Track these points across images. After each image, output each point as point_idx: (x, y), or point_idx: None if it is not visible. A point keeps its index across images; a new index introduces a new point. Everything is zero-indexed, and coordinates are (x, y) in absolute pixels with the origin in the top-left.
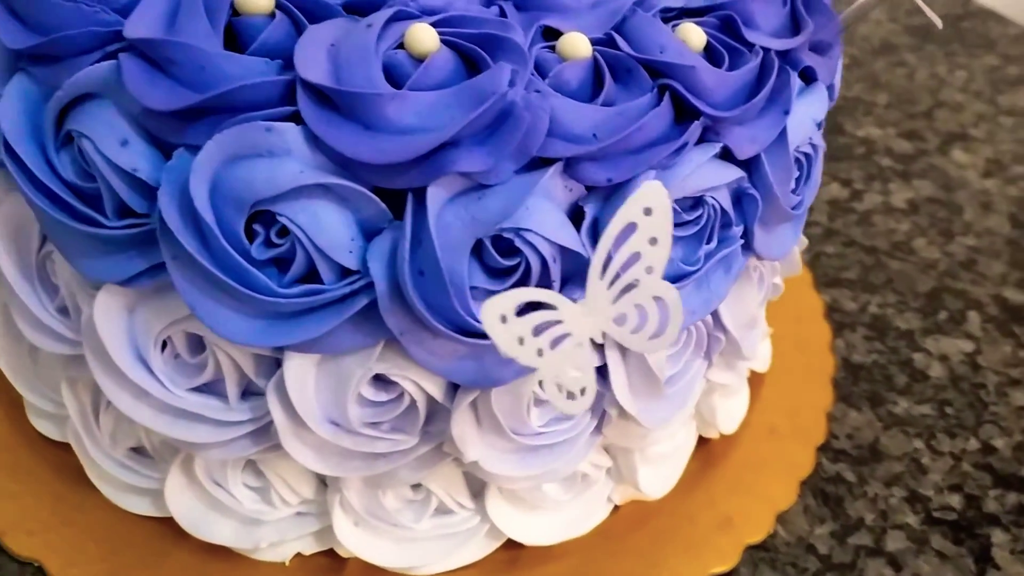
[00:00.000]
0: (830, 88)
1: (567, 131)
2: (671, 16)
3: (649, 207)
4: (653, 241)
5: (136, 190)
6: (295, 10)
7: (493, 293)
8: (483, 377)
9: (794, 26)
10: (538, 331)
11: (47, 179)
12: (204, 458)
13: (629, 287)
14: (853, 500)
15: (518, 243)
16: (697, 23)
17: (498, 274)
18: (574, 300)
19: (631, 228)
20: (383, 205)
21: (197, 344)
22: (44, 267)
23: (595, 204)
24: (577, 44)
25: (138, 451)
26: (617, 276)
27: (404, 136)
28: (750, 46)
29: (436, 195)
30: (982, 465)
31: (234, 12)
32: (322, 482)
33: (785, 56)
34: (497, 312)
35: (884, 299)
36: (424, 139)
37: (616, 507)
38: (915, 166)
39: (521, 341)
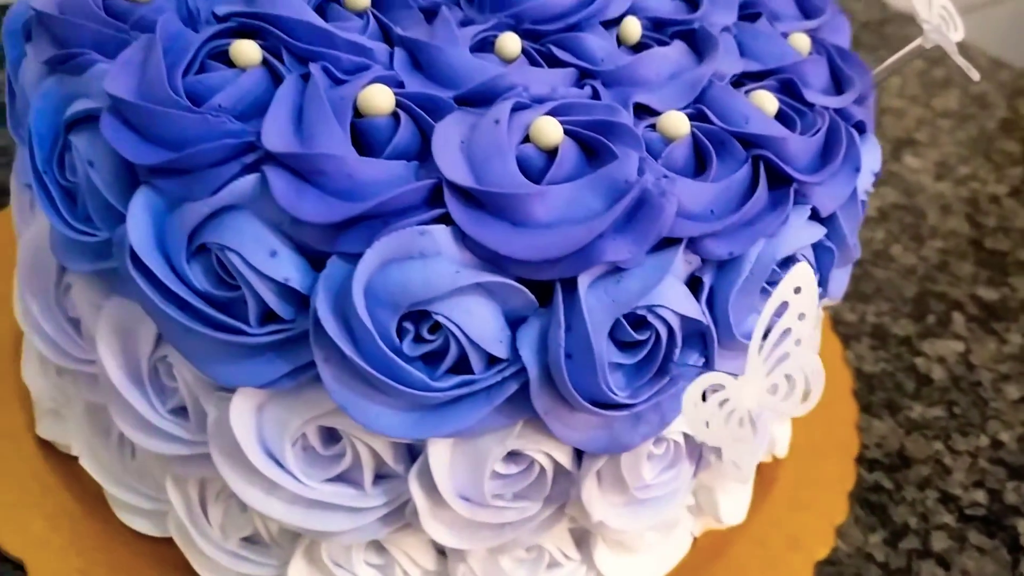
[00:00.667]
0: None
1: (688, 210)
2: (737, 81)
3: (799, 286)
4: (801, 316)
5: (285, 298)
6: (415, 108)
7: (625, 366)
8: (615, 444)
9: (835, 82)
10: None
11: (179, 290)
12: (332, 543)
13: (782, 359)
14: (895, 506)
15: (650, 318)
16: (764, 88)
17: (628, 347)
18: (734, 376)
19: (783, 306)
20: (532, 296)
21: (331, 436)
22: (156, 370)
23: (711, 273)
24: (678, 124)
25: (251, 540)
26: (771, 350)
27: (552, 230)
28: (810, 106)
29: (583, 282)
30: (995, 460)
31: (356, 113)
32: (441, 552)
33: (840, 113)
34: (694, 397)
35: (879, 308)
36: (574, 234)
37: (694, 539)
38: None
39: (707, 424)
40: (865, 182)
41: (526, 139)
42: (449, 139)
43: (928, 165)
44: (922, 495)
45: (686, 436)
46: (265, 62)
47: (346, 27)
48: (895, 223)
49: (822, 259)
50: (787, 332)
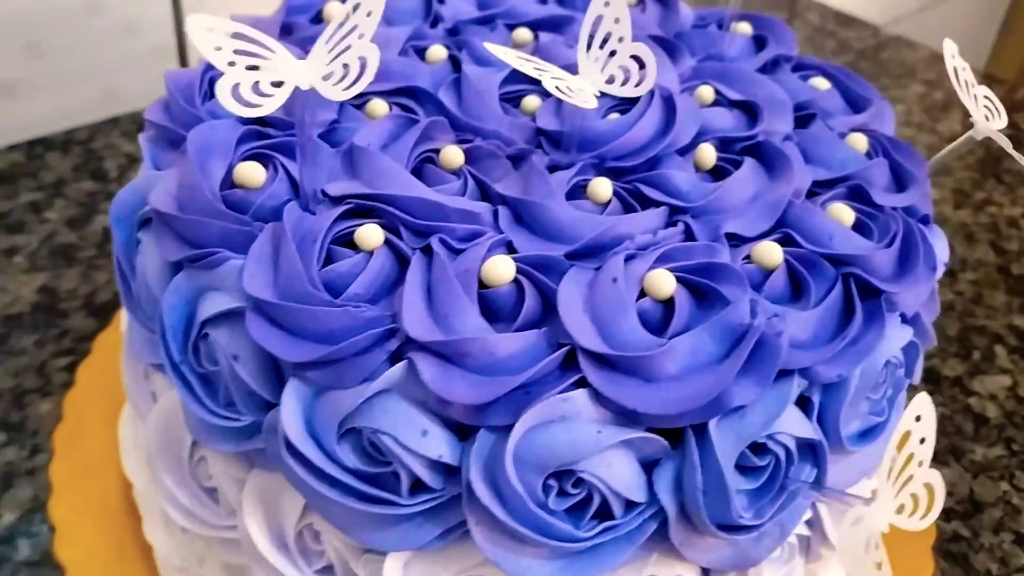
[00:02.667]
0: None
1: (796, 339)
2: (809, 191)
3: (919, 415)
4: (923, 441)
5: (436, 471)
6: (535, 272)
7: (751, 491)
8: (743, 560)
9: (895, 177)
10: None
11: (332, 470)
12: None
13: (907, 481)
14: (975, 554)
15: (770, 444)
16: (836, 198)
17: (750, 471)
18: (855, 499)
19: (906, 433)
20: (665, 442)
21: None
22: (302, 535)
23: (819, 393)
24: (772, 254)
25: None
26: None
27: (681, 383)
28: (881, 208)
29: (712, 425)
30: None
31: (480, 284)
32: None
33: (907, 211)
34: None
35: (927, 350)
36: (703, 386)
37: None
38: None
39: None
40: (939, 274)
41: (642, 292)
42: (572, 302)
43: (947, 194)
44: (997, 539)
45: (799, 536)
46: (386, 241)
47: (448, 190)
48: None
49: (909, 354)
50: (911, 456)
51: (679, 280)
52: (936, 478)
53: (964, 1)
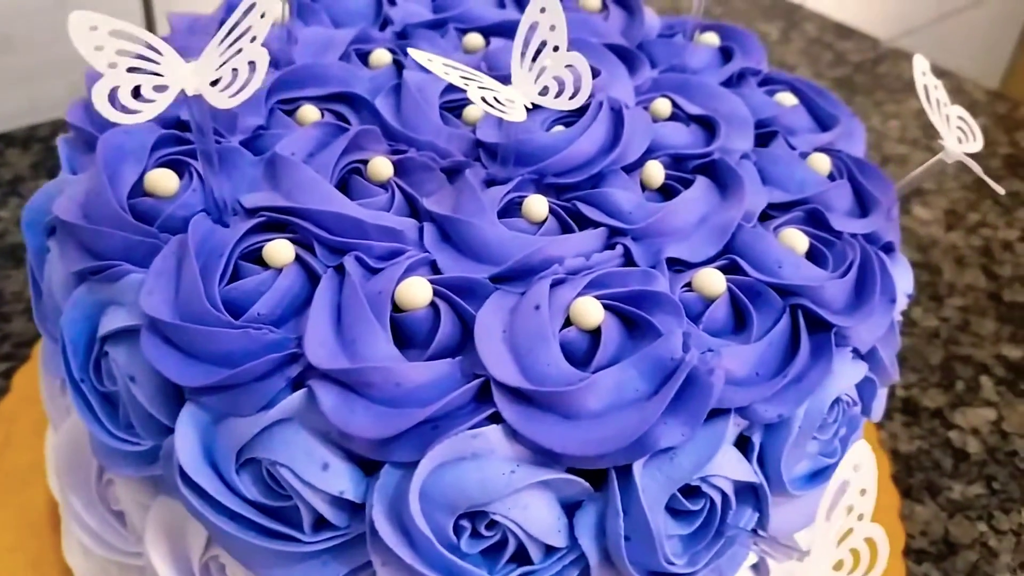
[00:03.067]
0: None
1: (734, 375)
2: (763, 213)
3: (857, 464)
4: (863, 492)
5: (339, 507)
6: (454, 296)
7: (684, 536)
8: None
9: (859, 200)
10: None
11: (230, 502)
12: None
13: (846, 534)
14: None
15: (704, 487)
16: (791, 223)
17: (683, 515)
18: (791, 550)
19: (843, 486)
20: (587, 484)
21: None
22: (208, 568)
23: (760, 433)
24: (714, 283)
25: None
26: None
27: (603, 421)
28: (839, 234)
29: (637, 467)
30: None
31: (394, 307)
32: None
33: (868, 237)
34: None
35: (907, 379)
36: (627, 425)
37: None
38: None
39: None
40: (901, 306)
41: (567, 321)
42: (491, 330)
43: (938, 215)
44: None
45: None
46: (298, 258)
47: (373, 204)
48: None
49: (864, 391)
50: (850, 508)
51: (609, 308)
52: (879, 533)
53: (978, 16)
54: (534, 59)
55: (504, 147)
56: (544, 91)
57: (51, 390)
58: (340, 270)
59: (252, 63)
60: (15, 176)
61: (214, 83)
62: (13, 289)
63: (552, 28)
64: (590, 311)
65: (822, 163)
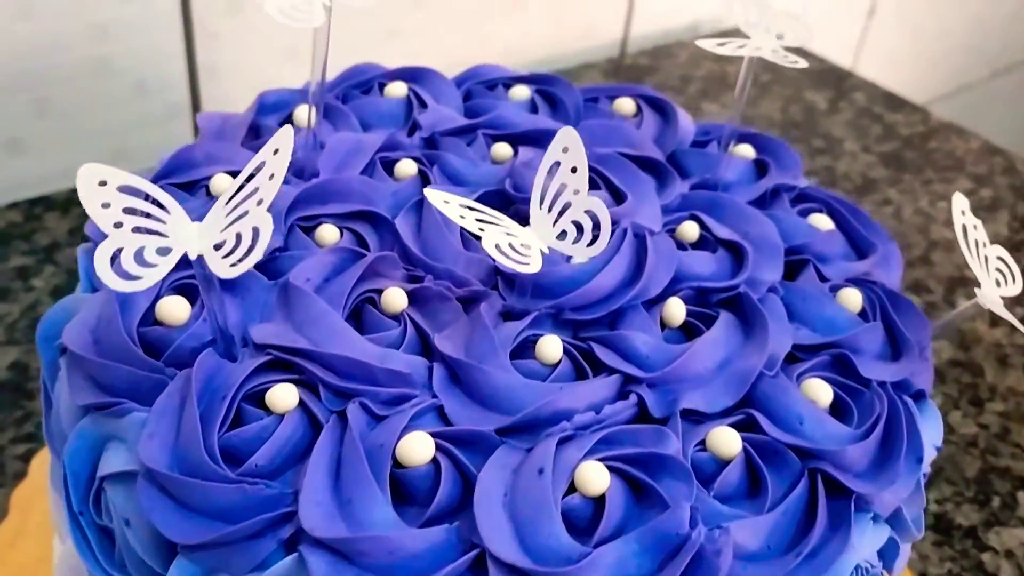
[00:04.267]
0: None
1: (745, 549)
2: (788, 355)
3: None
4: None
5: None
6: (456, 452)
7: None
8: None
9: (891, 340)
10: None
11: None
12: None
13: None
14: None
15: None
16: (816, 369)
17: None
18: None
19: None
20: None
21: None
22: None
23: None
24: (730, 443)
25: None
26: None
27: None
28: (867, 382)
29: None
30: None
31: (395, 462)
32: None
33: (898, 384)
34: None
35: (941, 493)
36: None
37: None
38: None
39: None
40: (927, 461)
41: (572, 486)
42: (491, 494)
43: (982, 309)
44: None
45: None
46: (301, 402)
47: (384, 340)
48: (952, 384)
49: (887, 553)
50: None
51: (615, 471)
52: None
53: None
54: (553, 201)
55: (521, 280)
56: (562, 235)
57: (57, 503)
58: (343, 416)
59: (256, 229)
60: (52, 242)
61: (218, 246)
62: (38, 364)
63: (574, 170)
64: (595, 480)
65: (853, 299)
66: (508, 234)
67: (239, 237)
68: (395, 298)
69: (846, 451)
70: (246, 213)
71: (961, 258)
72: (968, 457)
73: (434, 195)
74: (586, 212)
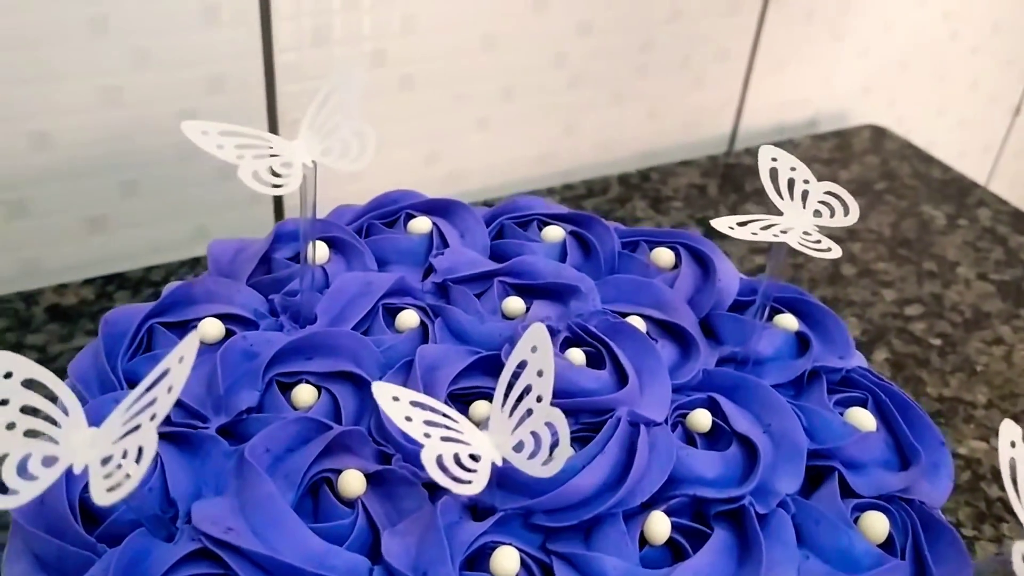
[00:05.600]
0: None
1: None
2: None
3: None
4: None
5: None
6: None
7: None
8: None
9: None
10: None
11: None
12: None
13: None
14: None
15: None
16: None
17: None
18: None
19: None
20: None
21: None
22: None
23: None
24: None
25: None
26: None
27: None
28: None
29: None
30: None
31: None
32: None
33: None
34: None
35: None
36: None
37: None
38: None
39: None
40: None
41: None
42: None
43: None
44: None
45: None
46: None
47: (330, 532)
48: None
49: None
50: None
51: None
52: None
53: None
54: (515, 405)
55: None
56: (519, 447)
57: None
58: None
59: (141, 448)
60: None
61: (105, 460)
62: None
63: (540, 374)
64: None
65: (878, 527)
66: (459, 442)
67: (126, 453)
68: (351, 482)
69: None
70: (137, 427)
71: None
72: None
73: (382, 389)
74: (546, 424)
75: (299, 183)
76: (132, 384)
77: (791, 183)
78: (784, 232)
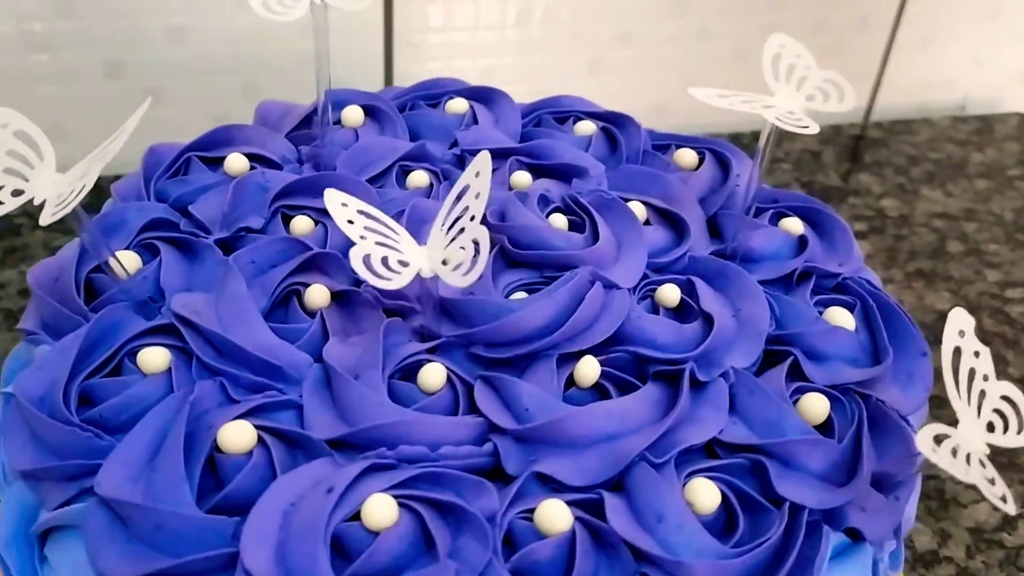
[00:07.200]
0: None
1: None
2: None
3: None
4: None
5: None
6: (274, 450)
7: None
8: None
9: (847, 464)
10: None
11: None
12: None
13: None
14: None
15: None
16: (716, 472)
17: None
18: None
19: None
20: None
21: None
22: None
23: None
24: (555, 518)
25: None
26: None
27: None
28: (779, 501)
29: None
30: None
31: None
32: None
33: (830, 514)
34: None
35: None
36: None
37: None
38: None
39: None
40: None
41: (357, 514)
42: (280, 499)
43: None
44: None
45: None
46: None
47: (286, 332)
48: None
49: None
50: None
51: (411, 511)
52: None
53: None
54: (452, 223)
55: (427, 301)
56: (444, 262)
57: None
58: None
59: (476, 242)
60: None
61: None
62: None
63: (477, 196)
64: (378, 513)
65: (816, 408)
66: (392, 248)
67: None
68: (316, 295)
69: (693, 565)
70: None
71: None
72: None
73: (332, 196)
74: (473, 241)
75: (303, 13)
76: (160, 200)
77: (791, 68)
78: (767, 108)
